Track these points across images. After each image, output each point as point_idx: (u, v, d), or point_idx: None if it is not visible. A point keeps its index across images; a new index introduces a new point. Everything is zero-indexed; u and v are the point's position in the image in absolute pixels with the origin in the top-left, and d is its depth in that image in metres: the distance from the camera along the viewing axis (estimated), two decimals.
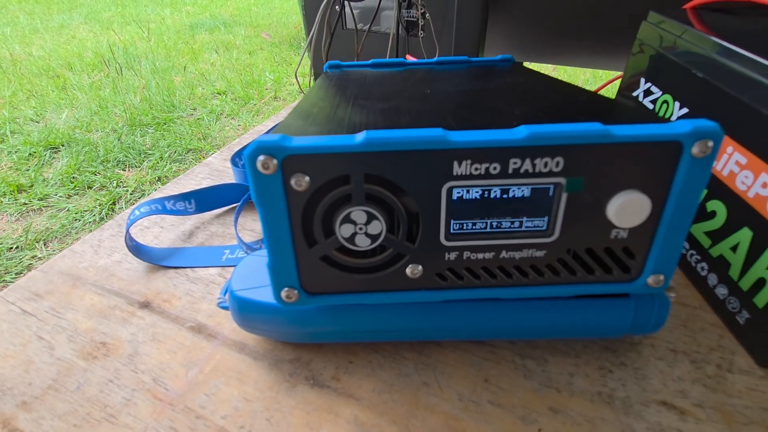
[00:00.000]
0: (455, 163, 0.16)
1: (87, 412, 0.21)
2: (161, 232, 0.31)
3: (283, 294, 0.19)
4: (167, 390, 0.22)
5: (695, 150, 0.16)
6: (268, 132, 0.40)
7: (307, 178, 0.16)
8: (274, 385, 0.22)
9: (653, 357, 0.23)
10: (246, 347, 0.23)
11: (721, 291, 0.25)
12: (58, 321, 0.25)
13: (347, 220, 0.17)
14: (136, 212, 0.29)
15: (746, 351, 0.23)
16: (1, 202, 1.28)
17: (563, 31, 0.47)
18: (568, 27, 0.46)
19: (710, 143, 0.15)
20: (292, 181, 0.16)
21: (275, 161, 0.16)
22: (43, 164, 1.44)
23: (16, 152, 1.48)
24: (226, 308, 0.23)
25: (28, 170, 1.40)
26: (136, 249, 0.28)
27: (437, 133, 0.16)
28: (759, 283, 0.22)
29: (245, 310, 0.22)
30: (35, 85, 1.94)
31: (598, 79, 1.97)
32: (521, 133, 0.16)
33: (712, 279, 0.25)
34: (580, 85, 1.94)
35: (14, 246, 1.14)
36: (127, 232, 0.27)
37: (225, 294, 0.23)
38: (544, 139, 0.16)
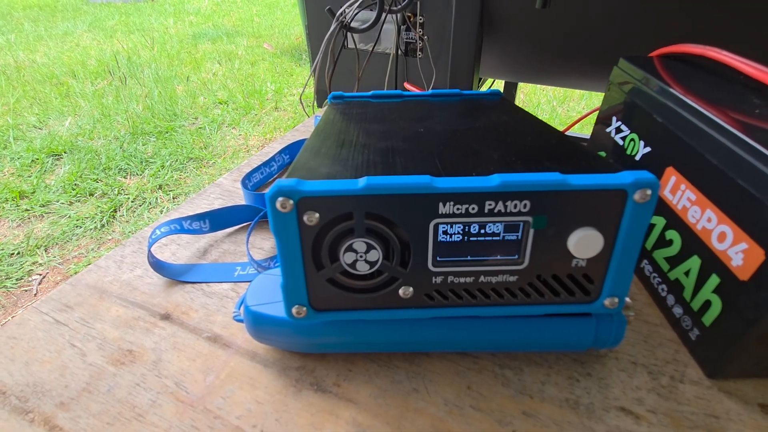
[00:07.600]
0: (440, 204, 0.19)
1: (118, 411, 0.24)
2: (178, 249, 0.34)
3: (294, 310, 0.22)
4: (188, 393, 0.24)
5: (637, 197, 0.19)
6: (279, 153, 0.44)
7: (317, 215, 0.19)
8: (282, 389, 0.25)
9: (616, 368, 0.26)
10: (257, 356, 0.26)
11: (677, 310, 0.28)
12: (88, 330, 0.28)
13: (350, 249, 0.20)
14: (157, 232, 0.32)
15: (697, 364, 0.26)
16: (3, 208, 1.30)
17: (554, 55, 0.50)
18: (558, 52, 0.50)
19: (648, 192, 0.19)
20: (305, 218, 0.19)
21: (291, 202, 0.19)
22: (45, 171, 1.46)
23: (18, 159, 1.50)
24: (240, 321, 0.26)
25: (30, 177, 1.42)
26: (157, 265, 0.31)
27: (425, 180, 0.19)
28: (706, 305, 0.25)
29: (258, 323, 0.25)
30: (39, 92, 1.96)
31: (592, 94, 2.02)
32: (495, 181, 0.19)
33: (670, 299, 0.29)
34: (575, 98, 1.99)
35: (15, 252, 1.16)
36: (149, 250, 0.31)
37: (239, 308, 0.26)
38: (513, 186, 0.19)
